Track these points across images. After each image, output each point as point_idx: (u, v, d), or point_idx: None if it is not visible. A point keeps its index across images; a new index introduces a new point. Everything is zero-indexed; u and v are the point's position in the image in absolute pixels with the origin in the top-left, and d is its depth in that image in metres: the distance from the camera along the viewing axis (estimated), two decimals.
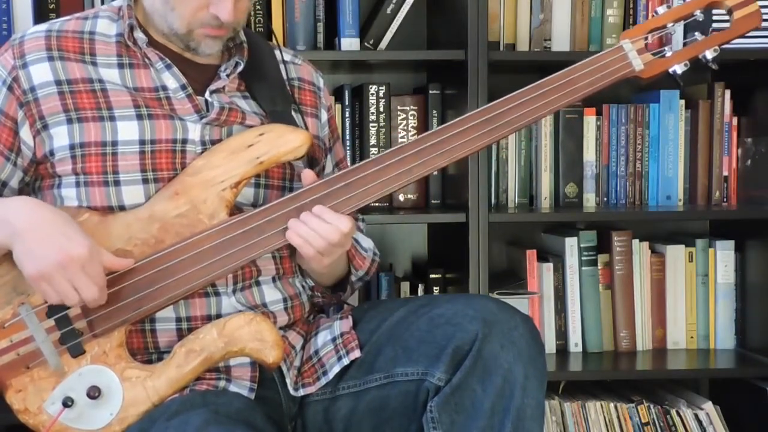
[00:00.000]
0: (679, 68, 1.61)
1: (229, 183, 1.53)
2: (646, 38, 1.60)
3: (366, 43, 2.33)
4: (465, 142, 1.55)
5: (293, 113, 1.67)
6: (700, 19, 1.61)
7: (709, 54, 1.61)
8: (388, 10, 2.34)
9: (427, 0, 2.52)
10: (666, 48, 1.61)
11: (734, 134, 2.44)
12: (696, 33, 1.61)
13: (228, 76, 1.61)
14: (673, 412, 2.35)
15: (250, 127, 1.59)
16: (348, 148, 2.35)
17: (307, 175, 1.54)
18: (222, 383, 1.54)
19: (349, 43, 2.31)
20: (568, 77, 1.59)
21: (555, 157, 2.41)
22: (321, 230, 1.49)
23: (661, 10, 1.62)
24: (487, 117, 1.56)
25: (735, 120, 2.44)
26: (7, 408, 2.14)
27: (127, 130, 1.54)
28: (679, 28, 1.63)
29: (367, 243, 1.75)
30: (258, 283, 1.60)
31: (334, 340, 1.61)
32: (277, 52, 1.71)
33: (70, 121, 1.53)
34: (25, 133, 1.55)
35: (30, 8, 2.19)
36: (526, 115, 1.57)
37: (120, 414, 1.48)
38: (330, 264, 1.56)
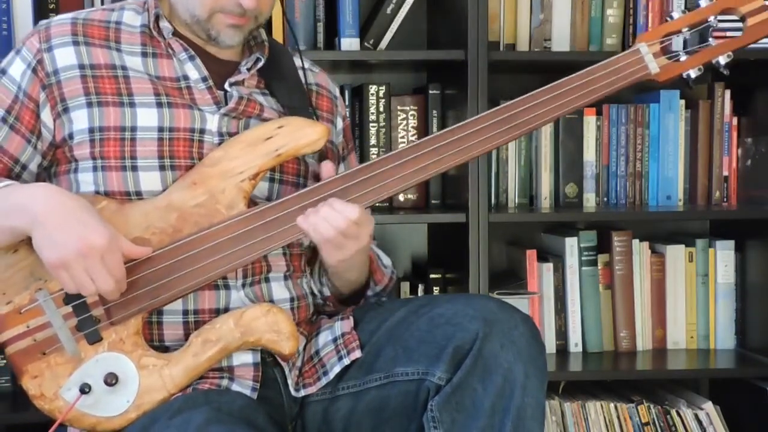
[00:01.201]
0: (693, 72, 1.63)
1: (248, 174, 1.54)
2: (662, 42, 1.63)
3: (366, 43, 2.33)
4: (481, 141, 1.56)
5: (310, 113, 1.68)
6: (714, 25, 1.63)
7: (722, 59, 1.64)
8: (388, 10, 2.34)
9: (427, 0, 2.52)
10: (680, 52, 1.63)
11: (734, 134, 2.45)
12: (710, 38, 1.63)
13: (248, 70, 1.62)
14: (673, 412, 2.36)
15: (267, 120, 1.60)
16: None
17: (326, 167, 1.55)
18: (225, 382, 1.54)
19: (349, 43, 2.31)
20: (585, 78, 1.60)
21: (555, 157, 2.41)
22: (329, 217, 1.49)
23: (676, 14, 1.64)
24: (504, 116, 1.57)
25: (735, 120, 2.44)
26: (6, 408, 2.16)
27: (147, 117, 1.54)
28: (694, 33, 1.65)
29: (387, 260, 1.76)
30: (267, 280, 1.60)
31: (335, 340, 1.61)
32: (296, 59, 1.72)
33: (90, 104, 1.54)
34: (46, 116, 1.56)
35: (30, 8, 2.19)
36: (543, 115, 1.59)
37: (136, 401, 1.48)
38: (345, 261, 1.56)
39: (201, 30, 1.59)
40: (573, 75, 1.60)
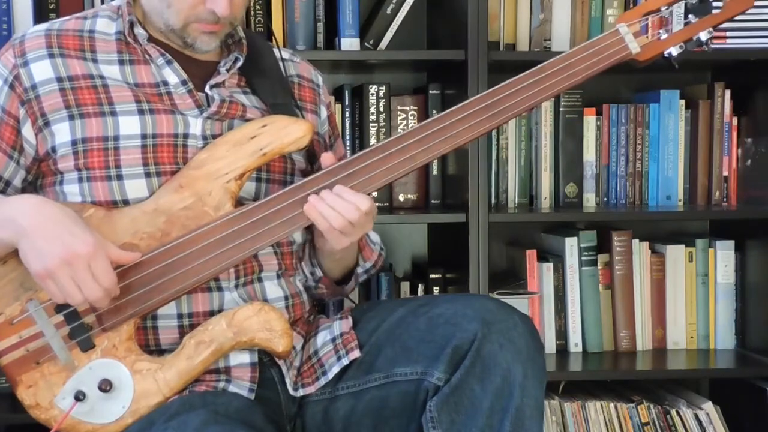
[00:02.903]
0: (674, 50, 1.63)
1: (234, 175, 1.54)
2: (642, 21, 1.62)
3: (366, 43, 2.33)
4: (467, 128, 1.56)
5: (294, 108, 1.68)
6: (694, 2, 1.62)
7: (704, 36, 1.62)
8: (388, 10, 2.34)
9: (427, 0, 2.52)
10: (661, 31, 1.63)
11: (734, 134, 2.44)
12: (690, 15, 1.62)
13: (227, 71, 1.62)
14: (673, 412, 2.35)
15: (251, 120, 1.59)
16: (348, 148, 2.35)
17: (327, 157, 1.55)
18: (221, 384, 1.54)
19: (349, 43, 2.31)
20: (566, 62, 1.60)
21: (555, 157, 2.41)
22: (339, 207, 1.49)
23: None
24: (487, 103, 1.57)
25: (735, 120, 2.44)
26: (6, 408, 2.16)
27: (129, 125, 1.54)
28: (674, 10, 1.64)
29: (375, 237, 1.76)
30: (260, 279, 1.60)
31: (333, 340, 1.61)
32: (276, 50, 1.72)
33: (71, 117, 1.54)
34: (27, 131, 1.56)
35: (30, 8, 2.19)
36: (526, 100, 1.58)
37: (132, 406, 1.48)
38: (346, 248, 1.56)
39: (176, 38, 1.58)
40: (553, 59, 1.61)
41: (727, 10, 1.63)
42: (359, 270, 1.71)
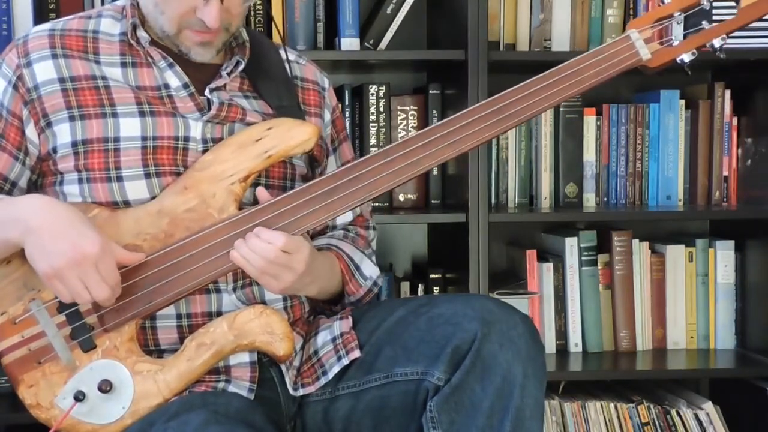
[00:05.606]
0: (686, 57, 1.61)
1: (238, 177, 1.53)
2: (653, 27, 1.60)
3: (366, 43, 2.33)
4: (473, 133, 1.55)
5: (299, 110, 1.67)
6: (707, 8, 1.60)
7: (717, 42, 1.61)
8: (388, 10, 2.34)
9: (427, 0, 2.52)
10: (673, 37, 1.61)
11: (734, 134, 2.45)
12: (703, 21, 1.61)
13: (229, 75, 1.61)
14: (673, 412, 2.35)
15: (251, 124, 1.59)
16: None
17: (261, 193, 1.54)
18: (221, 384, 1.54)
19: (349, 43, 2.31)
20: (575, 67, 1.59)
21: (555, 157, 2.41)
22: (257, 247, 1.48)
23: None
24: (494, 108, 1.56)
25: (735, 120, 2.44)
26: (6, 408, 2.16)
27: (130, 127, 1.54)
28: (686, 16, 1.62)
29: (370, 271, 1.71)
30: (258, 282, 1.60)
31: (333, 340, 1.60)
32: (281, 51, 1.71)
33: (72, 118, 1.54)
34: (31, 132, 1.56)
35: (30, 8, 2.19)
36: (533, 106, 1.57)
37: (132, 407, 1.49)
38: (288, 290, 1.54)
39: (172, 45, 1.58)
40: (563, 64, 1.59)
41: (741, 17, 1.61)
42: (344, 301, 1.70)
